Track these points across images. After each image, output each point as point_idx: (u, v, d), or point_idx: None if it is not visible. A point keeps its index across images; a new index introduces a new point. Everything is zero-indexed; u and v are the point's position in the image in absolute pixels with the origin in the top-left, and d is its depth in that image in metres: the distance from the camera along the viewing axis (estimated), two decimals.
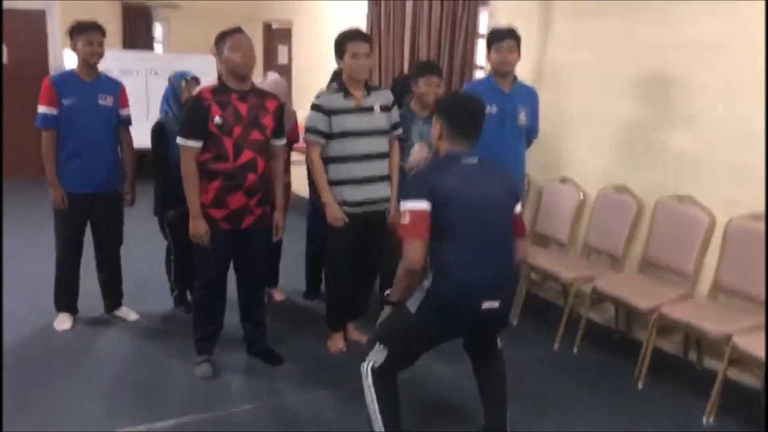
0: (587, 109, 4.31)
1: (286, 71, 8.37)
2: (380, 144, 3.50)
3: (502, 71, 3.82)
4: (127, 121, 3.90)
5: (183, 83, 3.84)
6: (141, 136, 4.11)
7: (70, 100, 3.61)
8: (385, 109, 3.51)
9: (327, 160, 3.46)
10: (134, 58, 8.07)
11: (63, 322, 3.89)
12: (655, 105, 3.90)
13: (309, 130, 3.42)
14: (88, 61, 3.66)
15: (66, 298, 3.93)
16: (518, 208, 2.71)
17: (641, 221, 4.01)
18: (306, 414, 3.13)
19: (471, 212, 2.48)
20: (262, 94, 3.34)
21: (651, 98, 3.92)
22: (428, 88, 3.74)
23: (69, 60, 7.59)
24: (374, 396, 2.60)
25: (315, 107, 3.42)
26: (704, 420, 3.20)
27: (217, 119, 3.12)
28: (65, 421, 2.98)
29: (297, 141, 4.16)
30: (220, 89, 3.21)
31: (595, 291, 3.79)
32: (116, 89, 3.82)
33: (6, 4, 7.76)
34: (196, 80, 3.90)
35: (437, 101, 2.83)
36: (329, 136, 3.40)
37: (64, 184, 3.68)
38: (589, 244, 4.29)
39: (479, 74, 5.12)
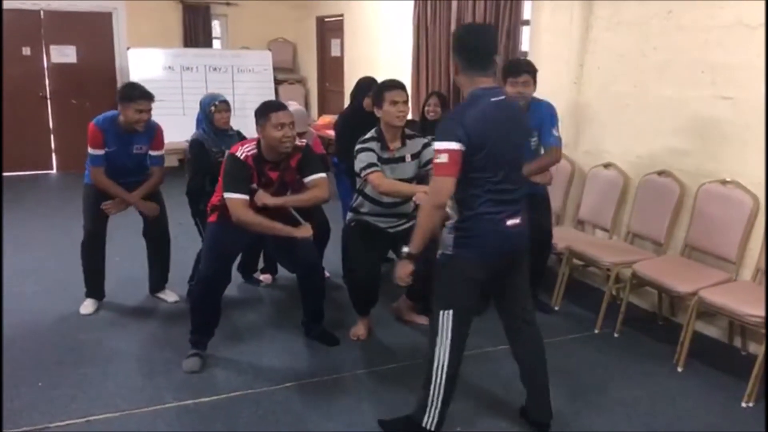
0: (629, 94, 4.29)
1: (338, 63, 8.56)
2: None
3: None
4: (157, 162, 4.11)
5: (212, 108, 4.05)
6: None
7: (110, 147, 3.93)
8: (415, 156, 3.64)
9: (361, 194, 3.68)
10: (194, 54, 8.42)
11: (87, 307, 4.14)
12: (698, 88, 3.85)
13: (366, 167, 3.49)
14: (134, 127, 3.89)
15: (91, 284, 4.18)
16: None
17: (684, 206, 3.98)
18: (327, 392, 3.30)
19: (498, 151, 2.54)
20: (291, 152, 3.45)
21: (693, 81, 3.87)
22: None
23: (133, 60, 8.02)
24: (442, 385, 2.69)
25: (363, 149, 3.53)
26: (743, 404, 3.18)
27: (254, 186, 3.40)
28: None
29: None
30: (259, 159, 3.39)
31: (634, 275, 3.79)
32: (151, 135, 4.03)
33: (75, 6, 8.23)
34: (225, 103, 4.09)
35: (452, 35, 2.75)
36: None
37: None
38: (632, 230, 4.27)
39: None
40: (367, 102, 4.35)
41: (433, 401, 2.71)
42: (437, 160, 2.52)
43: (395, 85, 3.54)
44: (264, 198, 3.39)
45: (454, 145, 2.47)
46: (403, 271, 2.74)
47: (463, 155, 2.49)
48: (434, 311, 2.75)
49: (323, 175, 3.54)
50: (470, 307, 2.75)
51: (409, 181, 3.61)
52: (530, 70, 3.82)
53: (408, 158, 3.61)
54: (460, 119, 2.50)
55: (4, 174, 7.69)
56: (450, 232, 2.64)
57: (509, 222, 2.63)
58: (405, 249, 2.72)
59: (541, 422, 2.94)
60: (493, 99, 2.56)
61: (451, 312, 2.67)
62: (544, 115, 3.89)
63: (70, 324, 3.97)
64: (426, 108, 4.99)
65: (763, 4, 3.46)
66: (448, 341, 2.68)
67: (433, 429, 2.73)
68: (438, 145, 2.52)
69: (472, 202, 2.58)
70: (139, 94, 3.83)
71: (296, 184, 3.55)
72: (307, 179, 3.50)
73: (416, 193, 3.38)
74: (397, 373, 3.46)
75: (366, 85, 4.63)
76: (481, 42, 2.59)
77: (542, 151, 3.94)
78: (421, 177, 3.66)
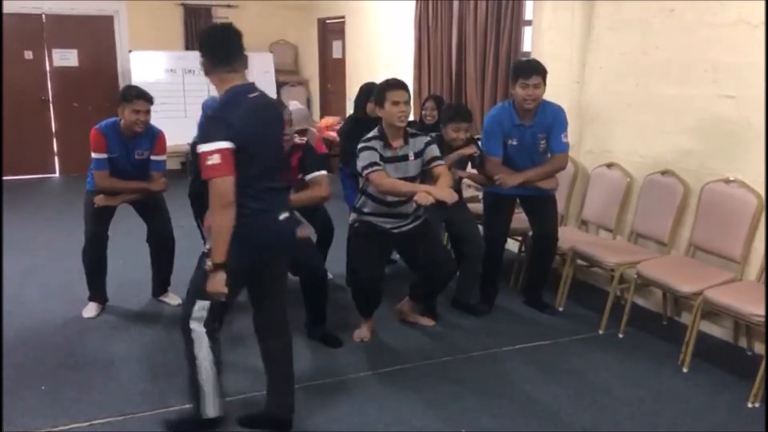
0: (632, 93, 4.28)
1: (340, 65, 8.55)
2: None
3: (527, 107, 3.82)
4: (158, 167, 4.10)
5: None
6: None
7: (113, 153, 3.94)
8: (418, 155, 3.60)
9: (364, 193, 3.63)
10: (195, 57, 8.25)
11: (89, 310, 4.16)
12: (700, 87, 3.83)
13: (367, 166, 3.45)
14: (132, 129, 3.89)
15: (93, 288, 4.18)
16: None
17: (688, 205, 3.96)
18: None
19: (261, 150, 2.57)
20: (291, 150, 3.49)
21: (696, 80, 3.86)
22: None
23: (135, 63, 8.02)
24: (211, 358, 2.74)
25: (365, 148, 3.50)
26: (749, 404, 3.16)
27: None
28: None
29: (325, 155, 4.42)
30: None
31: (639, 275, 3.77)
32: (153, 140, 4.03)
33: (76, 10, 8.25)
34: None
35: (197, 38, 2.70)
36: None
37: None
38: (636, 230, 4.25)
39: None
40: (370, 107, 4.34)
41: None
42: (209, 162, 2.40)
43: (397, 84, 3.52)
44: None
45: (224, 144, 2.41)
46: (217, 285, 2.52)
47: (233, 153, 2.44)
48: (192, 295, 2.68)
49: (324, 172, 3.58)
50: (234, 298, 2.76)
51: (412, 179, 3.58)
52: (541, 72, 3.79)
53: (411, 156, 3.58)
54: (226, 118, 2.46)
55: (7, 178, 7.71)
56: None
57: (281, 217, 2.71)
58: (209, 263, 2.50)
59: None
60: (250, 96, 2.57)
61: (208, 304, 2.65)
62: (555, 119, 3.88)
63: (72, 327, 3.97)
64: (423, 112, 4.93)
65: (761, 2, 3.44)
66: (206, 334, 2.73)
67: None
68: (205, 146, 2.42)
69: (246, 201, 2.53)
70: (135, 94, 3.84)
71: (298, 183, 3.55)
72: (308, 177, 3.55)
73: (417, 193, 3.36)
74: (402, 375, 3.45)
75: (368, 90, 4.62)
76: (225, 39, 2.60)
77: (548, 155, 3.94)
78: (424, 175, 3.65)
